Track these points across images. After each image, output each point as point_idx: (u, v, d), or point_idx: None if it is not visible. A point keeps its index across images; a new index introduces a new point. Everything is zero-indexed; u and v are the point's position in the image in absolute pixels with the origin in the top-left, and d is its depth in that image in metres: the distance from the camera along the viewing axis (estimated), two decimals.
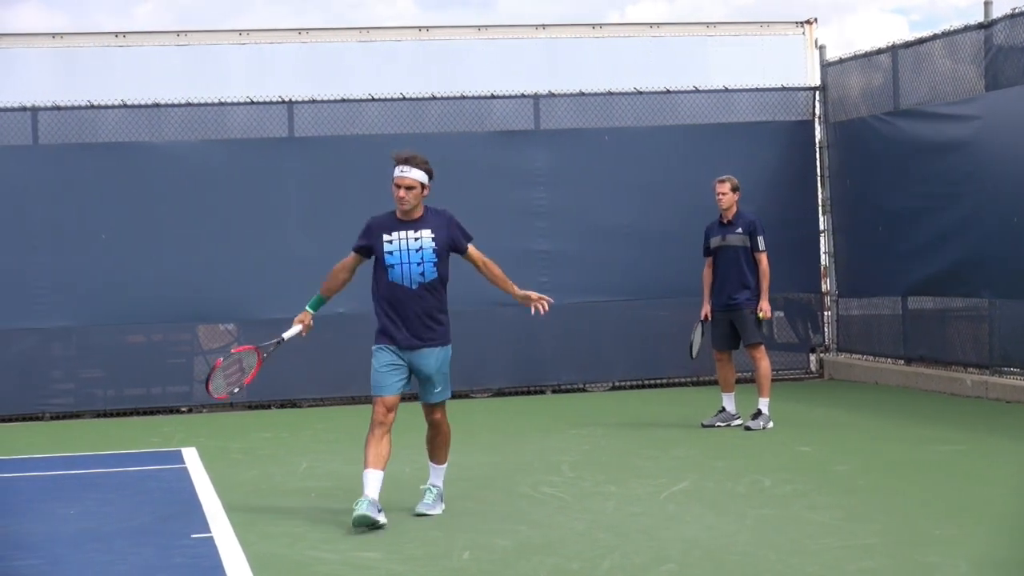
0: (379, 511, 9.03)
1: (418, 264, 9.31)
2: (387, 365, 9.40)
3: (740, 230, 13.34)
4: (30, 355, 16.18)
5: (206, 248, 16.30)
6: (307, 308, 9.90)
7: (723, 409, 13.52)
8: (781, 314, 18.04)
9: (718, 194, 13.47)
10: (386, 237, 9.37)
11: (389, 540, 8.69)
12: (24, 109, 16.10)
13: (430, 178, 9.39)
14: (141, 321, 16.33)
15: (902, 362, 16.62)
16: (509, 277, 9.82)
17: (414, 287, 9.36)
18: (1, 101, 16.11)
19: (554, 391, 16.79)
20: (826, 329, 17.97)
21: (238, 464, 12.12)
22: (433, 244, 9.32)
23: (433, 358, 9.45)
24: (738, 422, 13.32)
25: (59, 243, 16.07)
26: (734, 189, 13.41)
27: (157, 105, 16.29)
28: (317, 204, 16.54)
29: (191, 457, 12.40)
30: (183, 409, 16.39)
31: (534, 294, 9.81)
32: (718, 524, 8.84)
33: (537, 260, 16.62)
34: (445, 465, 9.76)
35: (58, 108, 16.13)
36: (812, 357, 17.98)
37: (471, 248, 9.53)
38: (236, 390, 10.15)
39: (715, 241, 13.49)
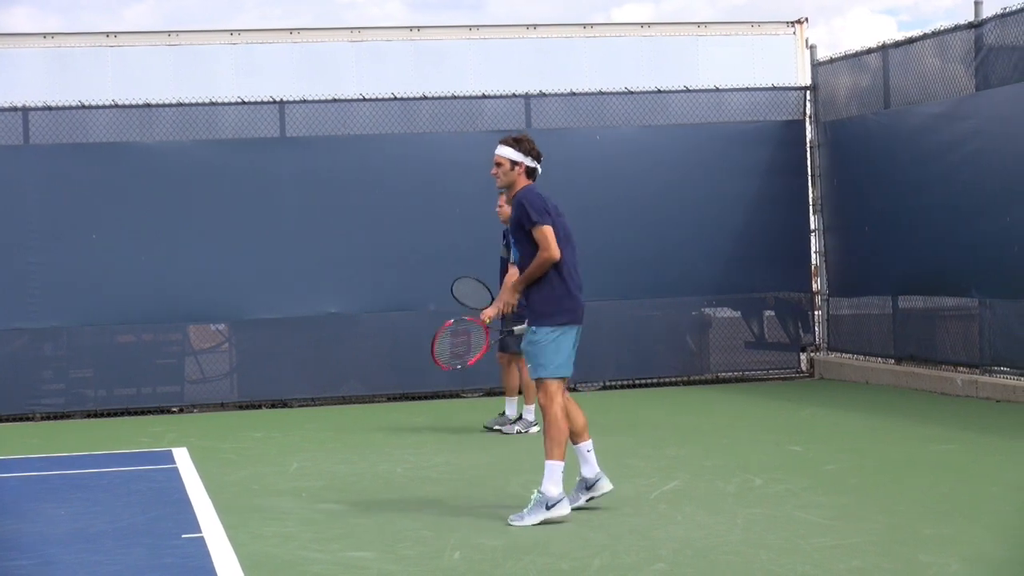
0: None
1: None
2: None
3: (508, 241, 13.34)
4: (20, 355, 16.16)
5: (197, 248, 16.27)
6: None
7: (503, 413, 13.66)
8: (772, 313, 18.10)
9: (496, 205, 13.47)
10: None
11: (380, 540, 8.66)
12: (15, 109, 16.07)
13: (526, 156, 9.24)
14: (131, 321, 16.32)
15: (892, 361, 16.62)
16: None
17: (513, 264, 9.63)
18: None
19: None
20: (817, 328, 17.97)
21: (229, 464, 12.09)
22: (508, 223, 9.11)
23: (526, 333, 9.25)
24: (517, 427, 13.39)
25: (50, 243, 16.04)
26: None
27: (148, 105, 16.27)
28: (308, 204, 16.53)
29: (182, 457, 12.39)
30: (174, 409, 16.37)
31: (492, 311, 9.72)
32: (709, 523, 8.82)
33: None
34: (550, 463, 9.01)
35: (49, 108, 16.11)
36: (803, 356, 17.98)
37: (532, 230, 9.17)
38: (459, 366, 10.14)
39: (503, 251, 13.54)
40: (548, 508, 8.91)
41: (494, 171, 9.33)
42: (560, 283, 9.15)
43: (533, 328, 9.14)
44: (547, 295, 9.12)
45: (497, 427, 13.49)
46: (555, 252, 9.07)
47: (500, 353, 13.62)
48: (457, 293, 12.54)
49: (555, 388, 9.06)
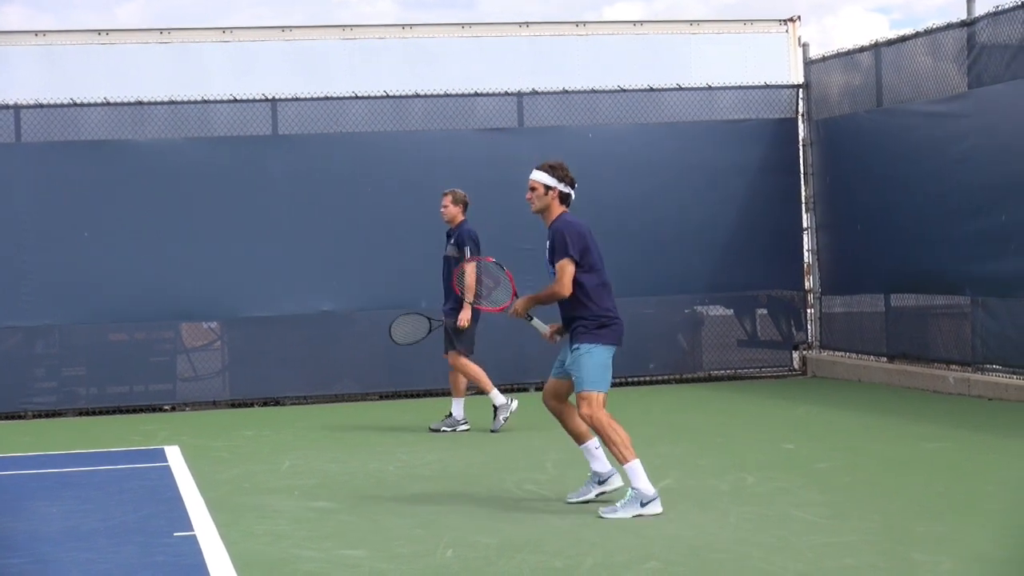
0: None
1: None
2: None
3: (453, 241, 13.48)
4: (12, 353, 16.15)
5: (189, 246, 16.26)
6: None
7: (450, 414, 13.74)
8: (764, 311, 18.11)
9: (441, 206, 13.61)
10: None
11: (373, 538, 8.66)
12: (7, 107, 16.05)
13: (560, 182, 9.55)
14: (124, 319, 16.30)
15: (885, 359, 16.64)
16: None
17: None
18: None
19: (538, 388, 16.74)
20: (809, 326, 17.98)
21: (221, 462, 12.08)
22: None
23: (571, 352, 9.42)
24: (464, 427, 13.53)
25: (42, 241, 16.03)
26: (455, 202, 13.54)
27: (140, 103, 16.26)
28: (301, 202, 16.53)
29: (174, 455, 12.37)
30: (166, 407, 16.37)
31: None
32: (701, 522, 8.82)
33: (523, 259, 16.58)
34: (626, 467, 9.19)
35: (41, 106, 16.08)
36: (795, 354, 17.99)
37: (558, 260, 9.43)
38: (467, 298, 10.70)
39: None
40: (643, 505, 9.10)
41: (529, 196, 9.60)
42: (606, 304, 9.41)
43: (578, 346, 9.33)
44: (594, 316, 9.38)
45: (446, 428, 13.58)
46: (566, 290, 9.32)
47: (449, 353, 13.65)
48: (397, 338, 13.41)
49: (597, 400, 9.26)
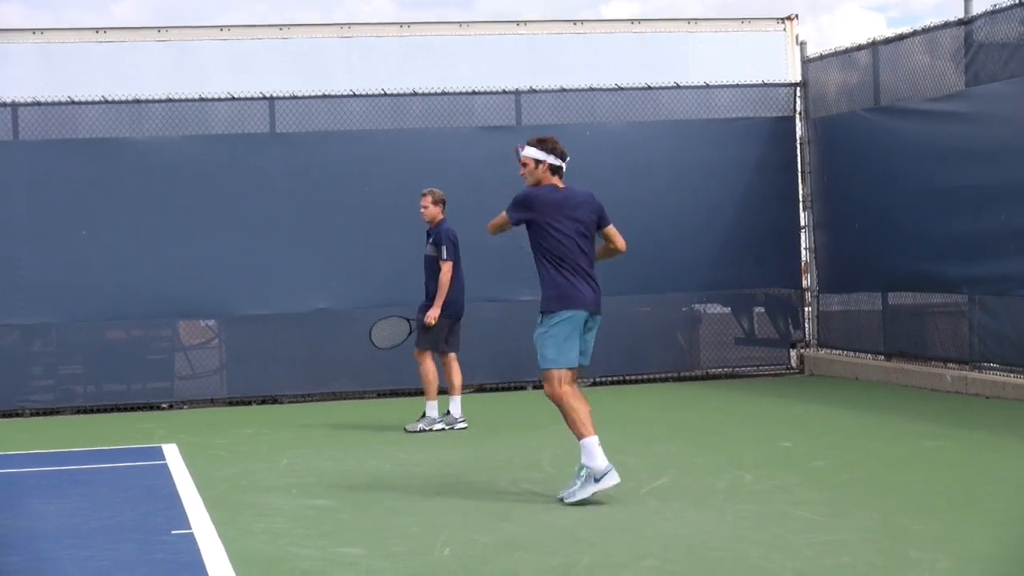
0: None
1: None
2: None
3: (432, 240, 13.52)
4: (10, 351, 16.14)
5: (187, 244, 16.24)
6: None
7: (448, 412, 13.66)
8: (762, 309, 18.11)
9: (421, 206, 13.62)
10: None
11: (370, 536, 8.63)
12: (4, 105, 16.04)
13: (549, 154, 9.79)
14: (121, 317, 16.28)
15: (882, 357, 16.63)
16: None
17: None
18: None
19: (535, 387, 16.75)
20: (807, 325, 17.97)
21: (218, 460, 12.06)
22: None
23: None
24: (439, 426, 13.42)
25: (39, 239, 16.00)
26: (435, 202, 13.57)
27: (138, 101, 16.24)
28: (298, 200, 16.51)
29: (171, 453, 12.34)
30: (163, 405, 16.34)
31: None
32: (699, 520, 8.79)
33: (521, 257, 16.54)
34: (581, 442, 9.38)
35: (38, 104, 16.06)
36: (793, 353, 18.00)
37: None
38: None
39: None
40: (597, 481, 9.29)
41: (522, 172, 9.87)
42: (557, 274, 9.58)
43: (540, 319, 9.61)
44: (546, 286, 9.64)
45: (421, 428, 13.49)
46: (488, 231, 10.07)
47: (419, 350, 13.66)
48: (378, 342, 13.60)
49: (554, 377, 9.45)
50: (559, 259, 9.57)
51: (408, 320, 13.63)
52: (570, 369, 9.50)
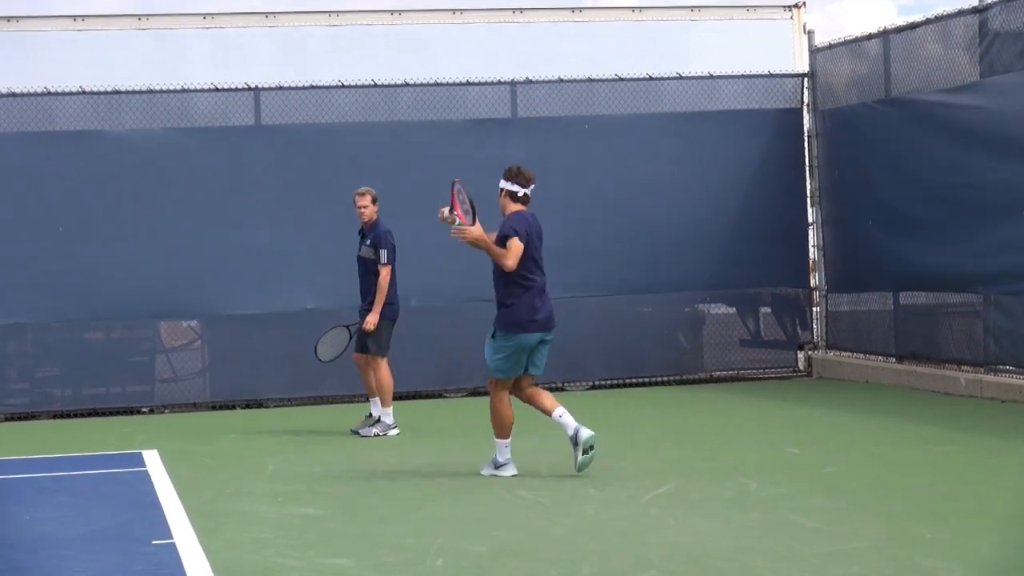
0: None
1: None
2: None
3: (369, 242, 13.55)
4: None
5: (168, 241, 16.07)
6: None
7: (370, 415, 13.75)
8: (768, 310, 18.06)
9: (357, 207, 13.62)
10: None
11: (360, 546, 8.66)
12: None
13: (508, 181, 10.83)
14: (100, 318, 16.14)
15: (893, 360, 16.58)
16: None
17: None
18: None
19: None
20: (815, 325, 17.89)
21: (201, 467, 12.07)
22: None
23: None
24: (395, 432, 13.49)
25: (14, 236, 15.79)
26: (374, 201, 13.63)
27: (117, 92, 16.08)
28: (284, 195, 16.36)
29: (152, 460, 12.29)
30: (144, 410, 16.25)
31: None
32: (702, 528, 8.81)
33: None
34: (495, 439, 10.88)
35: (14, 95, 15.87)
36: (800, 355, 17.87)
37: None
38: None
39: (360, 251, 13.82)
40: (496, 467, 10.89)
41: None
42: (520, 293, 10.72)
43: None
44: (505, 305, 10.81)
45: (358, 430, 13.60)
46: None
47: (356, 354, 13.75)
48: (323, 357, 13.83)
49: (499, 383, 10.82)
50: (522, 277, 10.69)
51: (347, 327, 13.70)
52: (512, 378, 10.77)
